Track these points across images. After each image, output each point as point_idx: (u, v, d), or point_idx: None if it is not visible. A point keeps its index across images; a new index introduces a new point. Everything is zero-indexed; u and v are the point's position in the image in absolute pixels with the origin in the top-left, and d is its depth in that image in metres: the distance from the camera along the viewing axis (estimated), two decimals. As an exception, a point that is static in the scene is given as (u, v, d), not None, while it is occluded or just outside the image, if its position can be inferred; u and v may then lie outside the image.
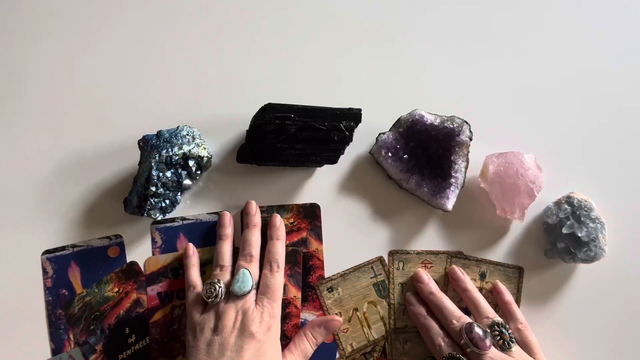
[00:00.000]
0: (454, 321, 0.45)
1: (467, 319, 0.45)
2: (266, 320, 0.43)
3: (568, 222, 0.48)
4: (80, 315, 0.47)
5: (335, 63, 0.53)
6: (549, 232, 0.50)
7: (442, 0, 0.55)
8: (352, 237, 0.50)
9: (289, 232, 0.50)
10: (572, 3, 0.56)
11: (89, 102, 0.51)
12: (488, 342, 0.43)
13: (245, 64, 0.52)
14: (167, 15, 0.53)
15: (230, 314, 0.43)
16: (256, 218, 0.49)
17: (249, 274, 0.45)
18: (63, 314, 0.47)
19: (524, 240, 0.52)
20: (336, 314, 0.49)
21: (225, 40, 0.53)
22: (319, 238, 0.50)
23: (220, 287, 0.44)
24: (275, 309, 0.44)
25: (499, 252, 0.51)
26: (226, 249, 0.48)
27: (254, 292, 0.45)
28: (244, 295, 0.44)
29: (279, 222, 0.49)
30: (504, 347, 0.43)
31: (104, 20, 0.52)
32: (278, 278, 0.46)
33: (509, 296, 0.49)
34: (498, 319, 0.45)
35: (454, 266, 0.50)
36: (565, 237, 0.48)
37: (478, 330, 0.43)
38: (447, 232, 0.51)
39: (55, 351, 0.47)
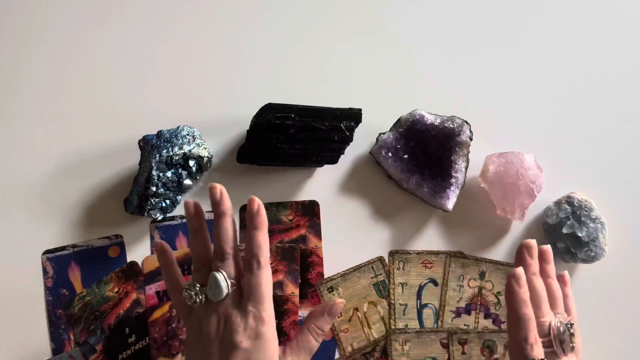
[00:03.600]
0: (547, 316, 0.41)
1: (553, 318, 0.41)
2: (252, 326, 0.37)
3: (568, 222, 0.48)
4: (80, 315, 0.47)
5: (336, 63, 0.53)
6: (549, 232, 0.50)
7: (442, 1, 0.55)
8: (352, 237, 0.50)
9: (288, 230, 0.50)
10: (572, 4, 0.56)
11: (89, 102, 0.51)
12: (569, 346, 0.40)
13: (245, 64, 0.52)
14: (167, 15, 0.53)
15: (212, 321, 0.38)
16: (224, 204, 0.40)
17: (221, 278, 0.38)
18: (63, 314, 0.47)
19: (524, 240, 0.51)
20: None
21: (225, 40, 0.53)
22: (318, 235, 0.50)
23: (196, 292, 0.38)
24: (262, 311, 0.38)
25: (499, 252, 0.51)
26: (198, 244, 0.41)
27: (234, 294, 0.39)
28: (220, 302, 0.38)
29: (257, 206, 0.40)
30: (571, 349, 0.41)
31: (104, 20, 0.52)
32: (262, 277, 0.38)
33: (570, 290, 0.46)
34: (568, 317, 0.43)
35: (529, 240, 0.44)
36: (565, 237, 0.48)
37: (566, 334, 0.40)
38: (447, 232, 0.51)
39: (55, 351, 0.47)
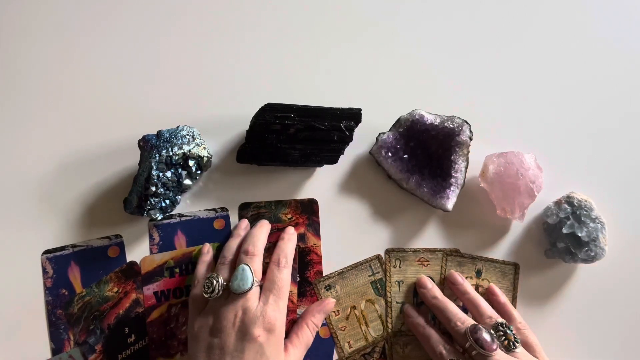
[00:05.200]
0: (458, 323, 0.44)
1: (471, 321, 0.44)
2: (270, 319, 0.41)
3: (568, 222, 0.48)
4: (80, 315, 0.47)
5: (336, 63, 0.53)
6: (549, 232, 0.50)
7: (442, 1, 0.55)
8: (352, 237, 0.50)
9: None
10: (572, 4, 0.56)
11: (88, 102, 0.51)
12: (494, 343, 0.42)
13: (245, 64, 0.52)
14: (167, 15, 0.53)
15: (229, 313, 0.41)
16: (265, 221, 0.49)
17: (249, 270, 0.42)
18: (63, 313, 0.47)
19: (523, 240, 0.51)
20: (333, 312, 0.49)
21: (225, 40, 0.53)
22: (317, 233, 0.50)
23: (217, 282, 0.42)
24: (280, 306, 0.42)
25: (499, 252, 0.51)
26: (233, 244, 0.46)
27: (256, 289, 0.42)
28: (243, 293, 0.41)
29: (293, 230, 0.49)
30: (509, 348, 0.43)
31: (104, 19, 0.53)
32: (285, 274, 0.44)
33: (503, 297, 0.49)
34: (500, 319, 0.45)
35: (452, 271, 0.50)
36: (565, 237, 0.48)
37: (483, 331, 0.42)
38: (447, 232, 0.51)
39: (55, 351, 0.47)
